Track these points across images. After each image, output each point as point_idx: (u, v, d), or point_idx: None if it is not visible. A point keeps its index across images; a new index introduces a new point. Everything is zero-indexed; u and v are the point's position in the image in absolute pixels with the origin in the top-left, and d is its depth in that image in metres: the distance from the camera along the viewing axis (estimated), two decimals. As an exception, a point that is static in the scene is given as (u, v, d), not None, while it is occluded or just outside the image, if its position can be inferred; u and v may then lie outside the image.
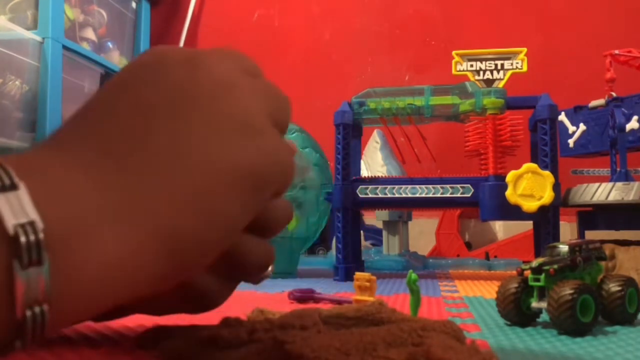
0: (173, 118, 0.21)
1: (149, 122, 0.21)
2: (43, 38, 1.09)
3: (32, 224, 0.16)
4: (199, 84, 0.23)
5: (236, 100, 0.23)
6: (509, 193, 0.72)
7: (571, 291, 0.39)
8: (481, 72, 0.80)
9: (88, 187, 0.19)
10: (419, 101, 0.82)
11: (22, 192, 0.17)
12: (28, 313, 0.16)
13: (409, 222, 1.05)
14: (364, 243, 1.14)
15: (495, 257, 1.09)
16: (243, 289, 0.41)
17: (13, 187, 0.16)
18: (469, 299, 0.59)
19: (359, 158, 0.90)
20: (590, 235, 0.76)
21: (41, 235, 0.16)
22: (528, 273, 0.43)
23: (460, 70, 0.81)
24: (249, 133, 0.23)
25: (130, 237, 0.18)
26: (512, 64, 0.80)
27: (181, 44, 1.54)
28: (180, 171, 0.20)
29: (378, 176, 0.85)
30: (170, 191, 0.20)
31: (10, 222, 0.16)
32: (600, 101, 0.86)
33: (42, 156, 0.19)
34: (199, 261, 0.22)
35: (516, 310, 0.43)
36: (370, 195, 0.80)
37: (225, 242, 0.23)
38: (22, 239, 0.16)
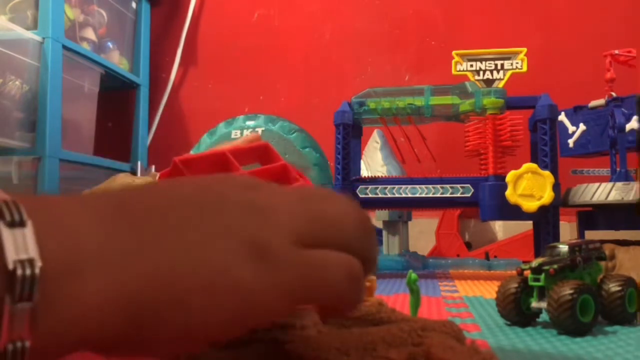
0: (202, 220, 0.21)
1: (178, 214, 0.21)
2: (43, 38, 1.09)
3: (31, 261, 0.17)
4: (247, 204, 0.23)
5: (271, 226, 0.23)
6: (509, 193, 0.72)
7: (571, 291, 0.39)
8: (481, 72, 0.80)
9: (90, 233, 0.19)
10: (419, 101, 0.82)
11: (29, 230, 0.17)
12: (10, 347, 0.17)
13: (409, 222, 1.05)
14: (364, 243, 1.14)
15: (495, 257, 1.09)
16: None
17: (22, 224, 0.17)
18: (469, 299, 0.59)
19: (359, 158, 0.90)
20: (590, 235, 0.76)
21: (37, 272, 0.17)
22: (528, 273, 0.43)
23: (460, 70, 0.81)
24: (257, 260, 0.22)
25: (99, 291, 0.19)
26: (512, 64, 0.80)
27: (181, 43, 1.54)
28: (174, 257, 0.20)
29: (378, 176, 0.85)
30: (156, 264, 0.20)
31: (11, 258, 0.16)
32: (600, 101, 0.86)
33: (58, 199, 0.20)
34: (161, 345, 0.21)
35: (516, 310, 0.43)
36: (370, 195, 0.80)
37: (192, 340, 0.21)
38: (19, 272, 0.16)
